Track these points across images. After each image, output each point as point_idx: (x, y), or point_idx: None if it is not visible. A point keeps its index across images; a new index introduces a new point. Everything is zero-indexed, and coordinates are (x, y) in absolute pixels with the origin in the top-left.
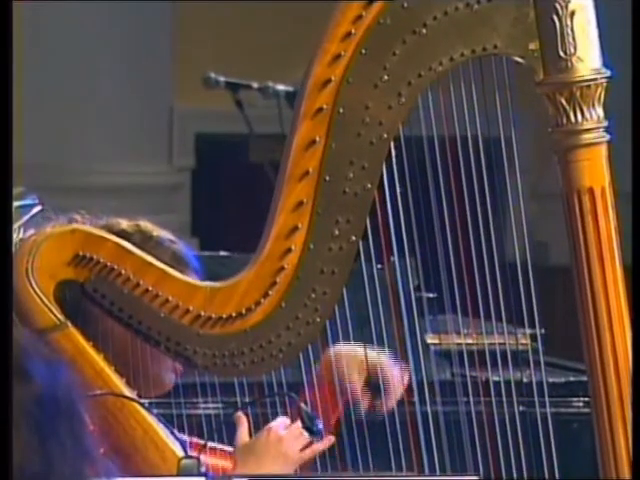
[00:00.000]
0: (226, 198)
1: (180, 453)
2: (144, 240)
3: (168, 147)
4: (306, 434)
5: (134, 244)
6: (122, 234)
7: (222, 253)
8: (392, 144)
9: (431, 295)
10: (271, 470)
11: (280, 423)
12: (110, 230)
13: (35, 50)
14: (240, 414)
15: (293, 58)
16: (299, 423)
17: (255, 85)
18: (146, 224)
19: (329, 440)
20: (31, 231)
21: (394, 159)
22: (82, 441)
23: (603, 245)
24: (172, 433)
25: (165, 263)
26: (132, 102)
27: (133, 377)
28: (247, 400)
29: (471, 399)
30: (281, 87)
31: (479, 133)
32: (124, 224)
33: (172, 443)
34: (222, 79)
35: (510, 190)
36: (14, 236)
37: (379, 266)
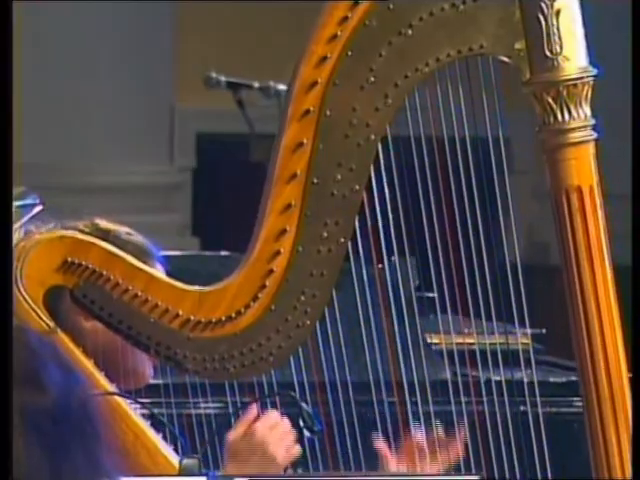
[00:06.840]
0: (227, 198)
1: (172, 458)
2: (103, 237)
3: (169, 147)
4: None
5: None
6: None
7: (222, 253)
8: (379, 145)
9: (431, 295)
10: (257, 470)
11: (266, 421)
12: None
13: (35, 50)
14: (253, 407)
15: (294, 58)
16: (285, 421)
17: (256, 85)
18: (101, 222)
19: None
20: (21, 235)
21: (382, 160)
22: (95, 459)
23: (592, 244)
24: (172, 432)
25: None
26: (133, 101)
27: (113, 371)
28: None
29: (473, 399)
30: (282, 87)
31: (466, 133)
32: (80, 226)
33: (164, 448)
34: (223, 79)
35: (509, 190)
36: (14, 236)
37: (379, 266)
